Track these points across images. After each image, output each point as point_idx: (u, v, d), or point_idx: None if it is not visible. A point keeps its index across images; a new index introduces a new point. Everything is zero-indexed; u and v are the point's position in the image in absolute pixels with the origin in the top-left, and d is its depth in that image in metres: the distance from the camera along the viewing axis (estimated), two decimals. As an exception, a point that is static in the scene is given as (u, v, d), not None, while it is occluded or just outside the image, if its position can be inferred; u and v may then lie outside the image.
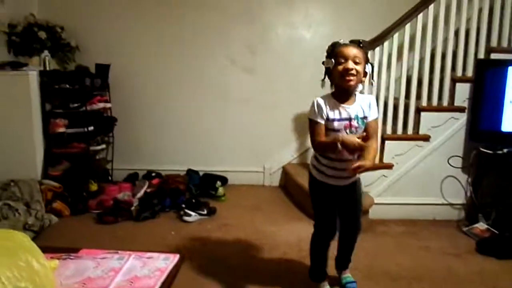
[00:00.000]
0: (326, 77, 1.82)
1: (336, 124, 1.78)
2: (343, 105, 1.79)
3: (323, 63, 1.81)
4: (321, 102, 1.79)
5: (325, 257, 2.06)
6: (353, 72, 1.70)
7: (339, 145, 1.66)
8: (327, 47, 1.83)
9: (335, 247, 2.15)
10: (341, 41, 1.79)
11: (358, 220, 2.04)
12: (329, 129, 1.79)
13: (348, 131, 1.78)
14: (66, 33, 3.65)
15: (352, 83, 1.73)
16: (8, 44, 3.41)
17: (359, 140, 1.66)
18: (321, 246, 2.04)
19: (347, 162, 1.77)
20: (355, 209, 2.04)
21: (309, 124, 1.83)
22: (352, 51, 1.72)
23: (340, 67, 1.72)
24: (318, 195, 1.98)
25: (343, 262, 2.17)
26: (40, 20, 3.52)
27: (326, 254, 2.05)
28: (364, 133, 1.77)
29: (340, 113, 1.78)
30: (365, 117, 1.82)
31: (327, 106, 1.78)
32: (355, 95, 1.83)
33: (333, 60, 1.74)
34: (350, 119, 1.79)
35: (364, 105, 1.82)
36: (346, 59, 1.71)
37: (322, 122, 1.77)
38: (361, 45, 1.78)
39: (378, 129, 2.85)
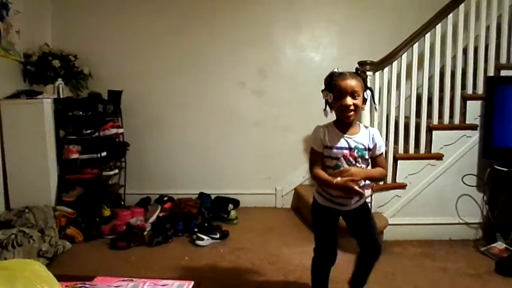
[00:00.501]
0: (327, 107, 1.85)
1: (334, 151, 1.79)
2: (345, 135, 1.81)
3: (322, 92, 1.83)
4: (322, 129, 1.82)
5: (326, 280, 2.05)
6: (352, 108, 1.73)
7: (334, 182, 1.70)
8: (326, 77, 1.84)
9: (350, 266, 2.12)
10: (338, 70, 1.81)
11: (377, 240, 2.00)
12: (327, 156, 1.81)
13: (347, 161, 1.79)
14: (79, 61, 3.74)
15: (352, 118, 1.77)
16: (23, 73, 3.51)
17: (356, 187, 1.68)
18: (321, 270, 2.04)
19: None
20: (370, 229, 1.99)
21: (310, 152, 1.86)
22: (350, 84, 1.72)
23: (338, 104, 1.75)
24: (320, 220, 1.97)
25: (358, 282, 2.13)
26: (54, 49, 3.62)
27: (327, 277, 2.04)
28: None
29: (340, 141, 1.79)
30: (367, 149, 1.82)
31: (327, 134, 1.80)
32: (359, 125, 1.86)
33: (331, 95, 1.76)
34: (350, 149, 1.79)
35: (366, 137, 1.83)
36: (344, 94, 1.72)
37: (320, 150, 1.80)
38: (358, 72, 1.82)
39: (390, 151, 2.87)
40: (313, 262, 2.05)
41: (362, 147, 1.81)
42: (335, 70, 1.82)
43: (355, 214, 1.92)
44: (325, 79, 1.82)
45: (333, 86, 1.77)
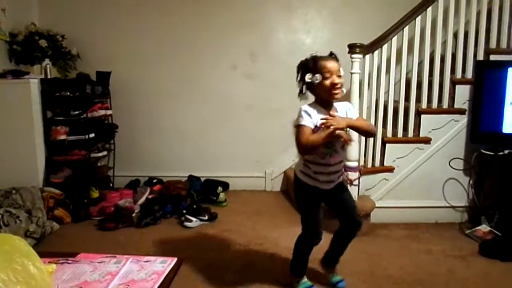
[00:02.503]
0: (305, 90, 1.88)
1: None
2: (327, 112, 1.85)
3: (302, 78, 1.86)
4: (310, 109, 1.84)
5: (307, 258, 2.12)
6: (339, 85, 1.80)
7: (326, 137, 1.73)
8: (304, 61, 1.88)
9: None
10: (318, 54, 1.86)
11: (356, 214, 2.08)
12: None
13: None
14: (67, 42, 3.68)
15: (338, 96, 1.84)
16: (9, 53, 3.45)
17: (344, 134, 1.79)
18: (306, 248, 2.09)
19: (336, 165, 1.90)
20: (351, 204, 2.08)
21: (296, 131, 1.85)
22: (335, 65, 1.81)
23: (328, 82, 1.80)
24: (305, 199, 2.02)
25: (333, 259, 2.17)
26: (41, 29, 3.55)
27: (309, 255, 2.12)
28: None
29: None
30: None
31: (316, 112, 1.84)
32: (333, 103, 1.92)
33: (318, 76, 1.79)
34: None
35: (344, 111, 1.95)
36: (332, 73, 1.79)
37: (311, 126, 1.81)
38: (333, 56, 1.88)
39: (378, 134, 2.89)
40: (300, 240, 2.10)
41: None
42: (315, 54, 1.87)
43: (334, 192, 1.99)
44: (308, 62, 1.85)
45: (320, 67, 1.80)
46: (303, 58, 1.90)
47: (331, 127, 1.70)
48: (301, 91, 1.88)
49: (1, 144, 3.17)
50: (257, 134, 4.02)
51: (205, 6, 3.90)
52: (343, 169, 2.00)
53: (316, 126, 1.81)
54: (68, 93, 3.36)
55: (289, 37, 3.98)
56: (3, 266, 0.97)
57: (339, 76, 1.81)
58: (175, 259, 1.35)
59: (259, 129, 4.03)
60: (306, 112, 1.83)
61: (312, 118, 1.81)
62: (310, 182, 1.95)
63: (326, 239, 2.12)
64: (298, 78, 1.89)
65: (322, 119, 1.77)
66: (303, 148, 1.81)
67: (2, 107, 3.15)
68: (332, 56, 1.87)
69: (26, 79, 3.19)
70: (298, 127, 1.83)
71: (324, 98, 1.86)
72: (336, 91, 1.81)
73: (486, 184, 3.04)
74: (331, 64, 1.80)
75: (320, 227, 2.02)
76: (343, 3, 3.94)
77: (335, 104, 1.93)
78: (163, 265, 1.31)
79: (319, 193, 1.96)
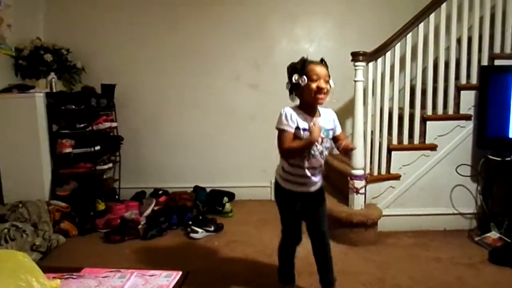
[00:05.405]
0: (291, 91, 1.92)
1: (305, 133, 1.85)
2: (311, 117, 1.89)
3: (289, 79, 1.89)
4: (291, 111, 1.88)
5: (292, 261, 2.15)
6: (325, 91, 1.82)
7: (312, 136, 1.76)
8: (293, 63, 1.90)
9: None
10: (308, 58, 1.88)
11: (323, 225, 2.07)
12: (297, 137, 1.87)
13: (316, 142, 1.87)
14: (71, 55, 3.73)
15: (322, 101, 1.85)
16: (15, 68, 3.49)
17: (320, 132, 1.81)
18: (288, 251, 2.13)
19: (311, 169, 1.92)
20: (320, 213, 2.07)
21: (278, 135, 1.90)
22: (323, 70, 1.83)
23: (314, 85, 1.82)
24: (284, 203, 2.05)
25: (325, 278, 2.11)
26: (46, 43, 3.60)
27: (293, 258, 2.14)
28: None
29: (308, 124, 1.85)
30: (331, 129, 1.94)
31: (297, 116, 1.86)
32: (318, 109, 1.94)
33: (304, 77, 1.82)
34: None
35: (329, 118, 1.97)
36: (319, 77, 1.81)
37: (292, 130, 1.84)
38: (323, 62, 1.90)
39: (384, 142, 2.87)
40: (281, 245, 2.15)
41: (327, 128, 1.92)
42: (306, 57, 1.90)
43: (312, 198, 2.01)
44: (296, 64, 1.88)
45: (307, 70, 1.83)
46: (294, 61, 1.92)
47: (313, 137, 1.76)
48: (290, 93, 1.92)
49: (7, 158, 3.20)
50: (261, 143, 4.00)
51: (208, 17, 3.92)
52: (321, 177, 2.01)
53: (297, 128, 1.85)
54: (74, 106, 3.38)
55: (293, 46, 3.99)
56: (7, 283, 0.97)
57: (327, 82, 1.83)
58: (180, 273, 1.34)
59: (263, 139, 4.00)
60: (286, 114, 1.86)
61: (293, 120, 1.85)
62: (285, 185, 1.99)
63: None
64: (287, 80, 1.91)
65: (306, 128, 1.82)
66: (285, 153, 1.90)
67: (8, 121, 3.18)
68: (322, 62, 1.89)
69: (31, 93, 3.23)
70: (279, 131, 1.88)
71: (308, 101, 1.87)
72: (321, 96, 1.82)
73: (494, 190, 3.00)
74: (319, 69, 1.82)
75: (298, 229, 2.06)
76: (346, 11, 3.95)
77: (320, 109, 1.95)
78: (168, 279, 1.30)
79: (294, 196, 1.98)
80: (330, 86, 1.85)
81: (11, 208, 2.92)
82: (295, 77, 1.84)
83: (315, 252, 2.09)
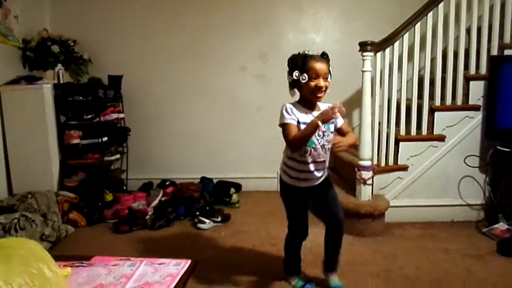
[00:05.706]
0: (293, 85, 1.92)
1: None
2: (312, 112, 1.91)
3: (290, 73, 1.88)
4: (292, 106, 1.89)
5: (298, 255, 2.18)
6: (323, 89, 1.83)
7: (319, 123, 1.74)
8: (295, 56, 1.89)
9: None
10: (309, 53, 1.87)
11: (339, 211, 2.06)
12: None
13: (317, 135, 1.87)
14: (78, 47, 3.73)
15: (321, 99, 1.88)
16: (23, 59, 3.50)
17: (331, 111, 1.73)
18: (294, 246, 2.16)
19: (315, 163, 1.92)
20: (334, 202, 2.07)
21: (282, 130, 1.90)
22: (322, 67, 1.82)
23: (313, 84, 1.82)
24: (289, 199, 2.05)
25: (330, 263, 2.15)
26: (53, 35, 3.60)
27: (299, 252, 2.17)
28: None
29: (309, 118, 1.86)
30: (331, 123, 1.92)
31: (298, 110, 1.88)
32: (318, 103, 1.95)
33: (305, 75, 1.81)
34: None
35: None
36: (318, 76, 1.81)
37: (294, 123, 1.85)
38: (324, 55, 1.89)
39: (391, 133, 2.85)
40: (287, 239, 2.17)
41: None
42: (306, 52, 1.88)
43: (318, 189, 2.01)
44: (298, 60, 1.86)
45: (307, 67, 1.82)
46: (295, 53, 1.91)
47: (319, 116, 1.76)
48: (291, 88, 1.93)
49: (16, 150, 3.23)
50: (268, 135, 4.00)
51: (216, 9, 3.91)
52: (324, 171, 2.01)
53: (298, 122, 1.86)
54: (81, 98, 3.40)
55: (299, 37, 3.96)
56: (19, 270, 0.98)
57: (325, 79, 1.83)
58: (189, 261, 1.35)
59: (270, 130, 3.98)
60: (286, 109, 1.88)
61: (294, 115, 1.86)
62: (289, 181, 2.00)
63: (318, 236, 2.14)
64: (288, 72, 1.91)
65: (306, 122, 1.82)
66: (293, 143, 1.87)
67: (16, 113, 3.20)
68: (323, 56, 1.88)
69: (39, 85, 3.24)
70: (283, 126, 1.88)
71: (308, 98, 1.89)
72: (319, 94, 1.84)
73: (502, 181, 2.98)
74: (319, 66, 1.81)
75: (304, 225, 2.06)
76: (353, 1, 3.91)
77: (320, 104, 1.95)
78: (177, 267, 1.31)
79: (300, 192, 1.99)
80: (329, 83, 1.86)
81: (20, 198, 2.95)
82: (295, 73, 1.84)
83: (328, 239, 2.10)
